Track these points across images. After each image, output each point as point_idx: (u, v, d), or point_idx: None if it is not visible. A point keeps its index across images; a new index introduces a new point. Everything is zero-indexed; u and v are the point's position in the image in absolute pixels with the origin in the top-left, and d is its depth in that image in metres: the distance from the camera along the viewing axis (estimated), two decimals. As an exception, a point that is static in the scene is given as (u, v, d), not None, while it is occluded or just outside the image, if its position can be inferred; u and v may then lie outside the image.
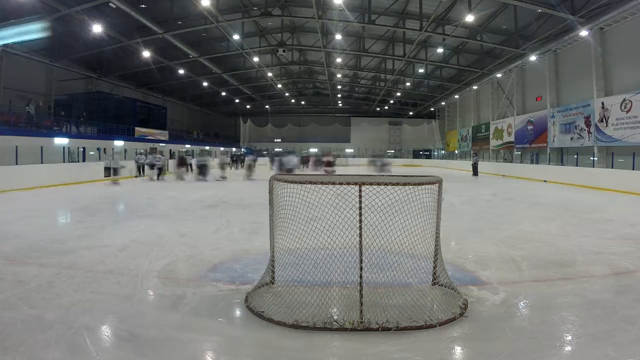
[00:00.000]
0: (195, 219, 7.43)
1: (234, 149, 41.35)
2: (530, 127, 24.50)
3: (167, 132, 33.36)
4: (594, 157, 18.26)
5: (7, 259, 4.44)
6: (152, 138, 30.17)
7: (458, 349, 2.65)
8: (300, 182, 3.27)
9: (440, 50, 24.16)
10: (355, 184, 3.20)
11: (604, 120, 17.54)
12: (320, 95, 43.27)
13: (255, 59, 27.24)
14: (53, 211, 8.68)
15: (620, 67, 16.89)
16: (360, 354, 2.50)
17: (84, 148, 20.75)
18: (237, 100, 42.42)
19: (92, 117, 25.48)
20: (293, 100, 43.74)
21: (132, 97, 31.09)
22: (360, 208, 3.10)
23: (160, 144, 30.93)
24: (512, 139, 26.73)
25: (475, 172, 23.00)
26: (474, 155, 28.08)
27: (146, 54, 21.69)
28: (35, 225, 6.65)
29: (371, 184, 3.26)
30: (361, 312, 2.87)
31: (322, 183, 3.35)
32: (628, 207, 9.67)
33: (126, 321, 2.90)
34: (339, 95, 42.40)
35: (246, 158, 24.84)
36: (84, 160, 19.70)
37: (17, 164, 13.15)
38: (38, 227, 6.50)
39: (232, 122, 48.28)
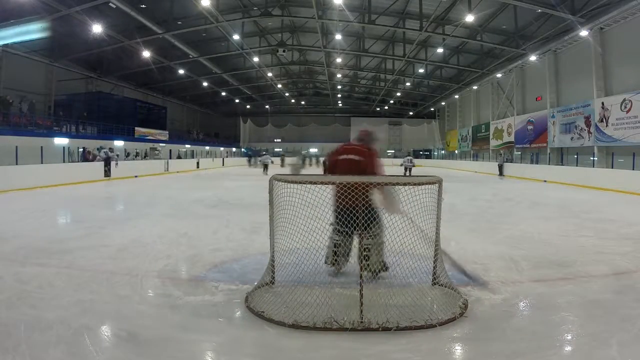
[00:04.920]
0: (195, 219, 7.43)
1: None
2: (530, 127, 24.51)
3: (167, 132, 33.38)
4: (594, 157, 18.26)
5: (7, 259, 4.43)
6: (152, 138, 30.17)
7: (458, 349, 2.65)
8: (300, 182, 3.27)
9: (440, 50, 24.19)
10: (356, 183, 3.20)
11: (604, 120, 17.55)
12: (320, 95, 43.28)
13: (255, 59, 27.26)
14: (53, 211, 8.67)
15: (620, 67, 16.90)
16: (360, 354, 2.50)
17: (84, 148, 20.75)
18: (237, 100, 42.43)
19: (92, 117, 25.51)
20: (293, 100, 43.75)
21: (132, 97, 31.13)
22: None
23: (160, 144, 30.91)
24: (512, 139, 26.74)
25: (501, 172, 21.80)
26: (500, 154, 26.13)
27: (146, 54, 21.71)
28: (35, 225, 6.65)
29: (371, 183, 3.26)
30: (361, 312, 2.87)
31: (322, 183, 3.35)
32: (628, 207, 9.66)
33: (126, 321, 2.90)
34: (339, 95, 42.41)
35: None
36: (84, 160, 19.69)
37: (17, 164, 13.15)
38: (38, 227, 6.50)
39: (232, 122, 48.29)
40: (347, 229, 3.54)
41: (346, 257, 3.76)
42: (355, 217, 3.34)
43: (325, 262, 3.79)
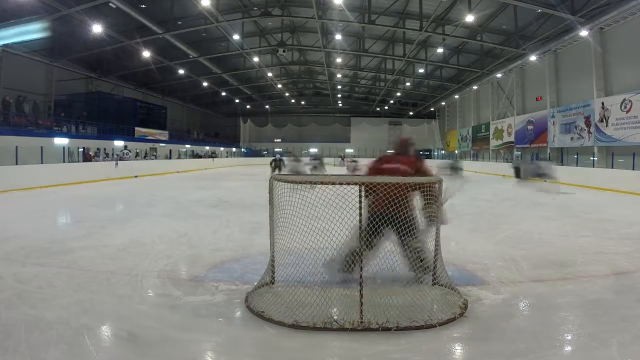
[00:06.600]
0: (195, 219, 7.43)
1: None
2: (530, 127, 24.49)
3: (167, 132, 33.36)
4: (594, 157, 18.25)
5: (7, 259, 4.44)
6: (152, 138, 30.14)
7: (458, 349, 2.65)
8: (300, 182, 3.27)
9: (440, 50, 24.17)
10: (355, 184, 3.20)
11: (604, 120, 17.55)
12: (320, 95, 43.26)
13: (255, 59, 27.24)
14: (53, 211, 8.68)
15: (620, 67, 16.89)
16: (360, 354, 2.50)
17: (84, 148, 20.75)
18: (237, 100, 42.40)
19: (92, 117, 25.48)
20: (293, 100, 43.72)
21: (132, 97, 31.09)
22: (360, 208, 3.10)
23: (160, 144, 30.91)
24: (512, 139, 26.72)
25: (518, 174, 17.05)
26: (516, 157, 24.34)
27: (146, 54, 21.70)
28: (35, 225, 6.65)
29: (371, 184, 3.26)
30: (361, 312, 2.87)
31: (322, 183, 3.35)
32: (628, 207, 9.66)
33: (126, 321, 2.90)
34: (339, 95, 42.39)
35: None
36: (83, 160, 19.69)
37: (17, 164, 13.15)
38: (38, 227, 6.50)
39: (232, 122, 48.24)
40: (377, 239, 3.43)
41: (360, 265, 3.66)
42: (402, 223, 3.29)
43: (342, 270, 3.55)
